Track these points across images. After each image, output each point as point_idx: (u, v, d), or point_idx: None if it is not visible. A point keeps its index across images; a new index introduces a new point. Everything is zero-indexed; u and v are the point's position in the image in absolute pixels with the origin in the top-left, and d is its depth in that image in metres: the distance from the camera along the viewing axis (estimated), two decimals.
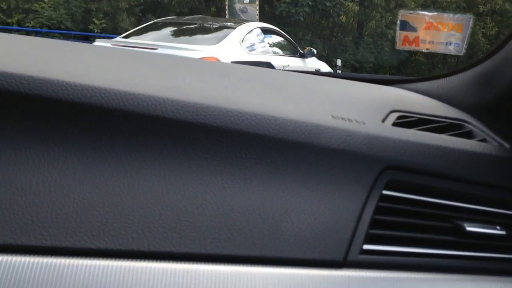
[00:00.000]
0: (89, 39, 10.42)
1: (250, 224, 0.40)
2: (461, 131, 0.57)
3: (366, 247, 0.42)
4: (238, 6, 9.62)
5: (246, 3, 9.59)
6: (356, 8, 12.30)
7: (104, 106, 0.38)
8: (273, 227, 0.40)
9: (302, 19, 11.04)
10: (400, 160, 0.46)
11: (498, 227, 0.48)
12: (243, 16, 9.53)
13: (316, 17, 12.04)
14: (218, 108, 0.42)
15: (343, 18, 13.34)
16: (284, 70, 1.03)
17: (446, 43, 1.37)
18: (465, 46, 1.23)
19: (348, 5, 12.06)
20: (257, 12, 9.33)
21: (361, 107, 0.57)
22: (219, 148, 0.41)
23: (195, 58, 1.16)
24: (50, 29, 9.92)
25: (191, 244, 0.37)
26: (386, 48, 11.45)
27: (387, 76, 0.97)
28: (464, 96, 0.64)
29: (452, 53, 0.93)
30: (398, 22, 1.29)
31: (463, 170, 0.48)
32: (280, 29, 12.12)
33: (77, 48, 0.60)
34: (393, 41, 12.34)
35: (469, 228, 0.46)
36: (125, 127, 0.39)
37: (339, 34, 13.32)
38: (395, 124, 0.52)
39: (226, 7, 9.63)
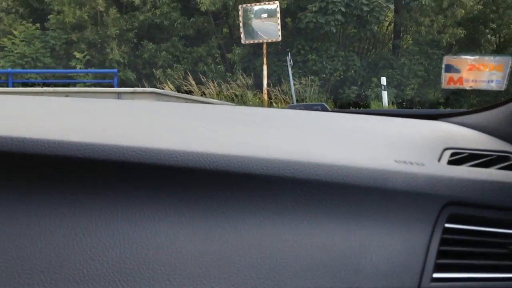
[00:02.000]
0: (72, 78, 9.72)
1: (335, 261, 0.57)
2: (508, 163, 0.77)
3: (435, 275, 0.60)
4: (255, 22, 9.77)
5: (265, 18, 9.69)
6: (392, 13, 11.99)
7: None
8: (354, 263, 0.58)
9: (334, 30, 10.87)
10: (457, 196, 0.65)
11: None
12: (262, 34, 9.71)
13: (350, 27, 11.71)
14: (300, 162, 0.62)
15: (383, 26, 12.70)
16: (334, 111, 1.29)
17: (488, 81, 2.24)
18: (505, 83, 1.99)
19: (388, 9, 11.64)
20: (279, 27, 9.47)
21: (418, 148, 0.81)
22: (303, 197, 0.60)
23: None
24: (24, 69, 9.37)
25: (286, 281, 0.55)
26: (436, 57, 11.13)
27: (433, 110, 1.26)
28: (509, 128, 0.88)
29: (494, 89, 1.47)
30: (443, 66, 2.13)
31: None
32: (308, 45, 11.53)
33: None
34: (447, 48, 11.80)
35: None
36: (229, 187, 0.58)
37: (378, 45, 12.85)
38: (450, 162, 0.74)
39: (241, 25, 9.77)
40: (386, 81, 9.45)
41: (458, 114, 1.08)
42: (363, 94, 11.30)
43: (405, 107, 10.84)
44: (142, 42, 11.16)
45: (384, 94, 9.20)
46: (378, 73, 11.24)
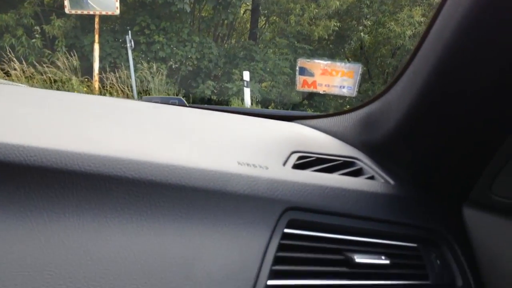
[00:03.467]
0: None
1: (165, 269, 0.61)
2: (353, 168, 0.90)
3: (270, 282, 0.66)
4: None
5: None
6: None
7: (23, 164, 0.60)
8: (186, 270, 0.62)
9: (188, 9, 10.49)
10: (298, 201, 0.74)
11: (383, 257, 0.77)
12: (93, 4, 9.07)
13: (209, 7, 11.41)
14: (133, 161, 0.66)
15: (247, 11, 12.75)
16: (192, 107, 1.40)
17: (340, 87, 2.50)
18: (356, 89, 2.27)
19: None
20: None
21: (265, 150, 0.89)
22: (134, 197, 0.64)
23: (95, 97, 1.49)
24: None
25: None
26: (303, 53, 11.31)
27: (289, 112, 1.43)
28: (357, 135, 1.00)
29: (346, 95, 1.82)
30: (297, 68, 2.31)
31: (353, 207, 0.79)
32: (154, 24, 10.55)
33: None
34: (321, 43, 12.18)
35: (358, 260, 0.74)
36: (44, 182, 0.61)
37: (239, 33, 12.86)
38: (295, 166, 0.84)
39: None
40: (250, 77, 9.48)
41: (314, 117, 1.23)
42: (222, 86, 11.00)
43: (268, 107, 11.03)
44: None
45: (247, 91, 9.12)
46: (238, 65, 11.13)
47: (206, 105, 1.53)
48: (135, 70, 9.38)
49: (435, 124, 0.79)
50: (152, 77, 9.68)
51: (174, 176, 0.68)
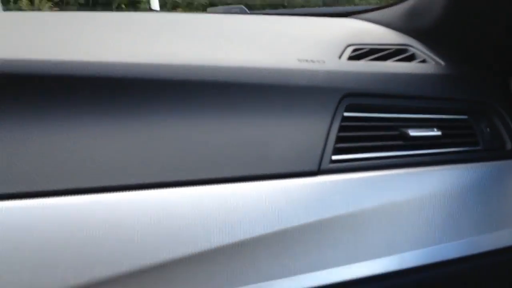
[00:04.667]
0: None
1: (244, 150, 0.70)
2: (406, 54, 0.95)
3: (334, 157, 0.75)
4: None
5: None
6: None
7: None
8: (261, 151, 0.71)
9: None
10: (355, 88, 0.81)
11: (435, 129, 0.84)
12: None
13: None
14: (207, 67, 0.75)
15: None
16: (253, 13, 1.47)
17: None
18: None
19: None
20: None
21: (322, 46, 0.94)
22: (214, 98, 0.72)
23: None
24: None
25: (194, 171, 0.66)
26: None
27: (346, 8, 1.47)
28: (409, 22, 1.04)
29: None
30: None
31: (406, 88, 0.85)
32: None
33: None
34: None
35: (412, 133, 0.82)
36: (128, 91, 0.68)
37: None
38: (350, 58, 0.89)
39: None
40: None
41: (368, 11, 1.25)
42: None
43: None
44: None
45: None
46: None
47: (267, 10, 1.69)
48: None
49: (484, 2, 0.85)
50: None
51: (244, 76, 0.77)
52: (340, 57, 0.91)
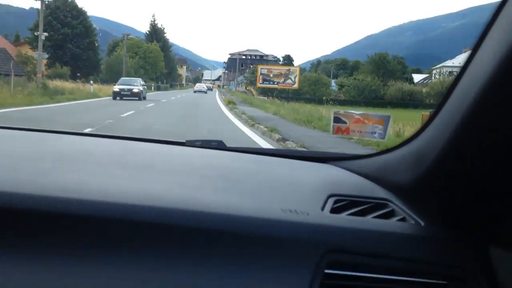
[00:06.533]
0: None
1: None
2: (385, 210, 0.97)
3: None
4: None
5: None
6: None
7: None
8: None
9: None
10: (337, 244, 0.83)
11: None
12: None
13: None
14: (189, 211, 0.80)
15: None
16: (230, 150, 1.53)
17: (372, 132, 2.67)
18: (387, 134, 2.40)
19: None
20: None
21: (304, 195, 1.02)
22: (190, 245, 0.78)
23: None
24: None
25: None
26: None
27: (323, 153, 1.51)
28: (388, 177, 1.08)
29: (377, 139, 1.49)
30: (332, 117, 2.49)
31: (386, 249, 0.86)
32: None
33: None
34: None
35: None
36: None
37: None
38: (332, 210, 0.93)
39: None
40: None
41: (347, 159, 1.34)
42: None
43: None
44: None
45: None
46: None
47: (242, 147, 1.60)
48: None
49: (467, 169, 0.84)
50: None
51: (228, 224, 0.81)
52: (322, 209, 0.94)
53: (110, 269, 0.73)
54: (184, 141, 1.57)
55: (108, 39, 79.95)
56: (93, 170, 1.02)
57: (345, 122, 2.49)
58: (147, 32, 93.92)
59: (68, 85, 35.12)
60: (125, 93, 31.20)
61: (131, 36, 75.91)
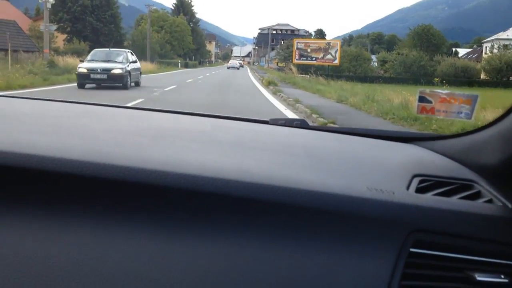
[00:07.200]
0: None
1: (306, 284, 0.74)
2: (471, 192, 0.95)
3: None
4: None
5: None
6: None
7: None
8: (325, 285, 0.74)
9: None
10: (422, 224, 0.83)
11: (502, 276, 0.82)
12: None
13: None
14: (281, 187, 0.81)
15: None
16: (314, 129, 1.55)
17: (458, 112, 2.64)
18: (474, 114, 2.35)
19: None
20: None
21: (389, 174, 1.01)
22: (281, 221, 0.80)
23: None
24: None
25: None
26: None
27: (407, 133, 1.50)
28: (474, 158, 1.06)
29: (463, 119, 1.43)
30: (417, 97, 2.49)
31: (472, 230, 0.85)
32: None
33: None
34: None
35: (478, 278, 0.80)
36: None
37: None
38: (417, 190, 0.91)
39: None
40: None
41: (430, 139, 1.31)
42: None
43: None
44: None
45: None
46: None
47: (323, 125, 1.50)
48: None
49: None
50: None
51: (316, 201, 0.81)
52: (407, 188, 0.93)
53: (208, 243, 0.76)
54: (268, 119, 1.57)
55: (137, 15, 77.08)
56: (189, 146, 1.04)
57: (430, 102, 2.48)
58: (173, 5, 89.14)
59: None
60: (99, 76, 18.14)
61: (155, 8, 69.83)
